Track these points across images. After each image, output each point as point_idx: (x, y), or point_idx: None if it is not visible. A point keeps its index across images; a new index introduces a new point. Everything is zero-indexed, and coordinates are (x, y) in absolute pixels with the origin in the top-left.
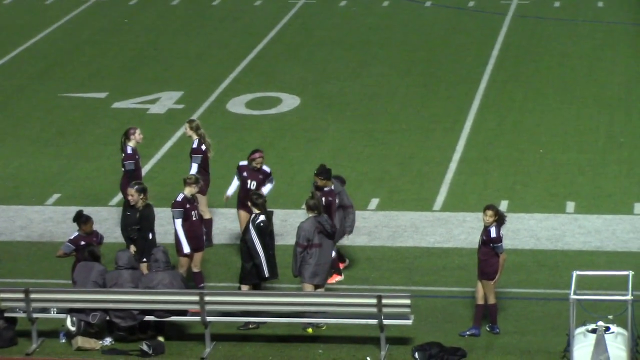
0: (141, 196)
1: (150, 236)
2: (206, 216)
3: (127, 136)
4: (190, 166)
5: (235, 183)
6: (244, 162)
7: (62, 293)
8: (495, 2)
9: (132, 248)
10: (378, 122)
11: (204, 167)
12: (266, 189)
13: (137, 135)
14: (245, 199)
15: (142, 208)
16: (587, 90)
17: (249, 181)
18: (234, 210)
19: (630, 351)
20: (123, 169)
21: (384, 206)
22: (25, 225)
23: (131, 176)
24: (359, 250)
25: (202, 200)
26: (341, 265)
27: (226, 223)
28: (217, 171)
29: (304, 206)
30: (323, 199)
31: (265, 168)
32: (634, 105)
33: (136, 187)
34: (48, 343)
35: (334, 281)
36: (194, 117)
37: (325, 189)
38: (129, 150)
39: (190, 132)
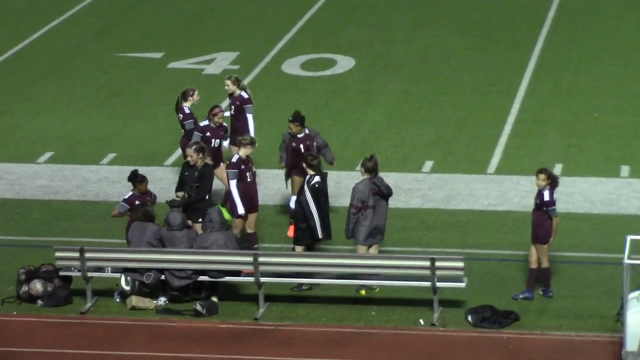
0: (200, 155)
1: (207, 196)
2: None
3: (184, 97)
4: (246, 118)
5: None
6: (204, 122)
7: (117, 252)
8: None
9: (180, 193)
10: (432, 84)
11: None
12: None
13: (195, 97)
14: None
15: (201, 167)
16: None
17: (213, 140)
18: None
19: None
20: (183, 129)
21: (437, 168)
22: (81, 185)
23: (191, 135)
24: (412, 212)
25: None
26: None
27: (280, 184)
28: (270, 132)
29: (359, 167)
30: (301, 145)
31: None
32: None
33: (194, 147)
34: (102, 302)
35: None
36: (249, 78)
37: (300, 135)
38: (187, 110)
39: (233, 87)
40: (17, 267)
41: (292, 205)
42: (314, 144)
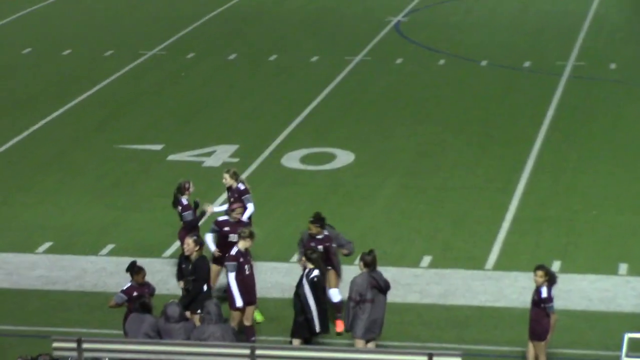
0: (197, 248)
1: (205, 288)
2: None
3: (180, 191)
4: (246, 207)
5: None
6: (223, 217)
7: (114, 343)
8: (550, 63)
9: (181, 284)
10: (431, 180)
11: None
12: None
13: (191, 188)
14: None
15: (195, 259)
16: None
17: (231, 235)
18: (286, 265)
19: None
20: (182, 221)
21: (436, 264)
22: (79, 275)
23: (189, 227)
24: (410, 307)
25: None
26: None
27: (278, 277)
28: (269, 225)
29: (358, 261)
30: (320, 246)
31: (244, 218)
32: None
33: (194, 237)
34: None
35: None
36: (249, 171)
37: (319, 236)
38: (185, 202)
39: (230, 181)
40: (14, 357)
41: (334, 299)
42: (333, 245)
